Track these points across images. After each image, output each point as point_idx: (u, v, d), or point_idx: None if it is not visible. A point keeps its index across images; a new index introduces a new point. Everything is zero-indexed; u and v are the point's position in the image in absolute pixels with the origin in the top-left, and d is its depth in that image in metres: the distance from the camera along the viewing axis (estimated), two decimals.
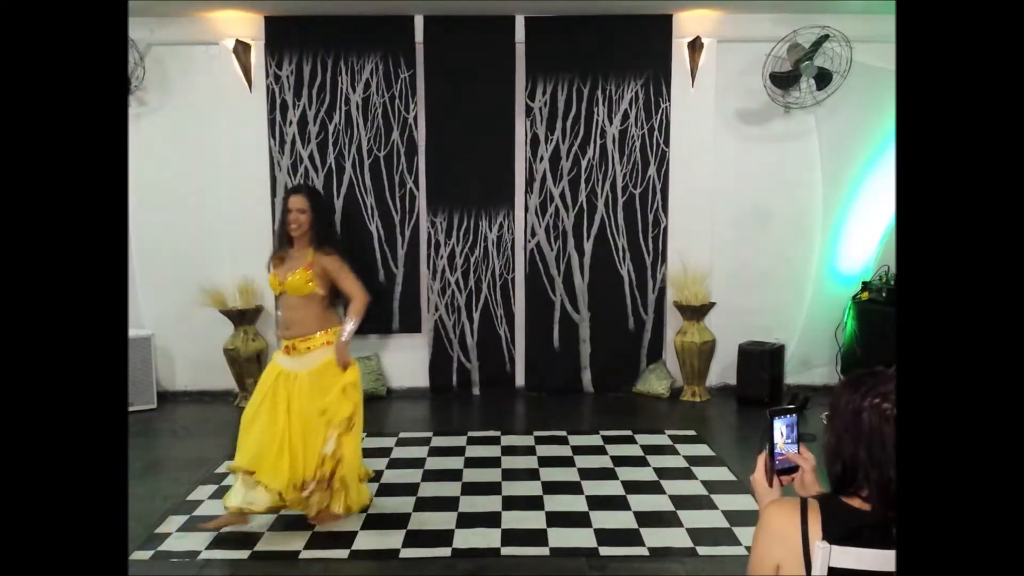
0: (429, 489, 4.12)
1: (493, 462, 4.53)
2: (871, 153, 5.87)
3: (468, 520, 3.74)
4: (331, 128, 5.74)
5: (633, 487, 4.12)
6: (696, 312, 5.76)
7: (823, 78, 5.48)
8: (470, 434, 5.03)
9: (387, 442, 4.86)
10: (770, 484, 1.61)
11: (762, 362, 5.65)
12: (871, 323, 5.52)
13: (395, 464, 4.50)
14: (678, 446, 4.80)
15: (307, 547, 3.49)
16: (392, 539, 3.55)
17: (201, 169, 5.81)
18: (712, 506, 3.89)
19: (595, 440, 4.90)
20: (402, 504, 3.93)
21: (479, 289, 5.92)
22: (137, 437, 5.00)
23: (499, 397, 5.91)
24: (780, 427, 1.60)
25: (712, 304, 5.77)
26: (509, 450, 4.74)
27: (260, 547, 3.50)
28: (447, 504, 3.92)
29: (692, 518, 3.74)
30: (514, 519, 3.75)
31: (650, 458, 4.57)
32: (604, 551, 3.43)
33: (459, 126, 5.74)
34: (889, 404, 1.40)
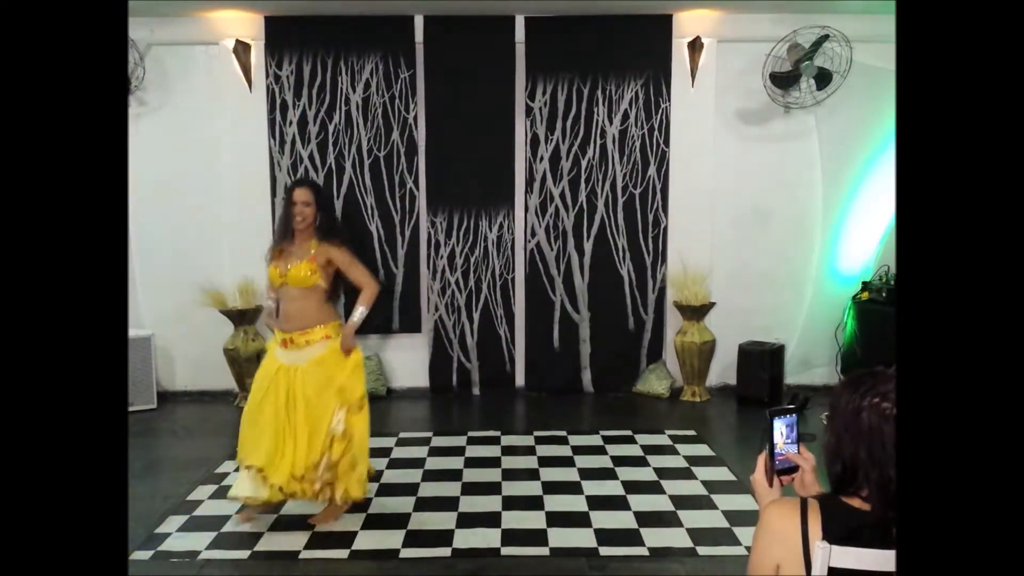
0: (429, 489, 4.13)
1: (493, 462, 4.53)
2: (871, 153, 5.87)
3: (468, 520, 3.74)
4: (331, 128, 5.74)
5: (633, 487, 4.12)
6: (696, 312, 5.76)
7: (823, 78, 5.48)
8: (470, 434, 5.03)
9: (387, 442, 4.85)
10: (770, 484, 1.61)
11: (762, 362, 5.65)
12: (871, 323, 5.52)
13: (395, 464, 4.50)
14: (678, 446, 4.80)
15: (307, 547, 3.48)
16: (392, 539, 3.56)
17: (201, 169, 5.81)
18: (712, 506, 3.89)
19: (595, 440, 4.90)
20: (402, 504, 3.93)
21: (479, 289, 5.92)
22: (137, 437, 5.00)
23: (499, 397, 5.91)
24: (780, 427, 1.60)
25: (712, 304, 5.77)
26: (509, 450, 4.74)
27: (260, 547, 3.50)
28: (447, 504, 3.92)
29: (692, 518, 3.75)
30: (514, 519, 3.75)
31: (650, 458, 4.57)
32: (604, 551, 3.44)
33: (459, 126, 5.74)
34: (889, 404, 1.40)
